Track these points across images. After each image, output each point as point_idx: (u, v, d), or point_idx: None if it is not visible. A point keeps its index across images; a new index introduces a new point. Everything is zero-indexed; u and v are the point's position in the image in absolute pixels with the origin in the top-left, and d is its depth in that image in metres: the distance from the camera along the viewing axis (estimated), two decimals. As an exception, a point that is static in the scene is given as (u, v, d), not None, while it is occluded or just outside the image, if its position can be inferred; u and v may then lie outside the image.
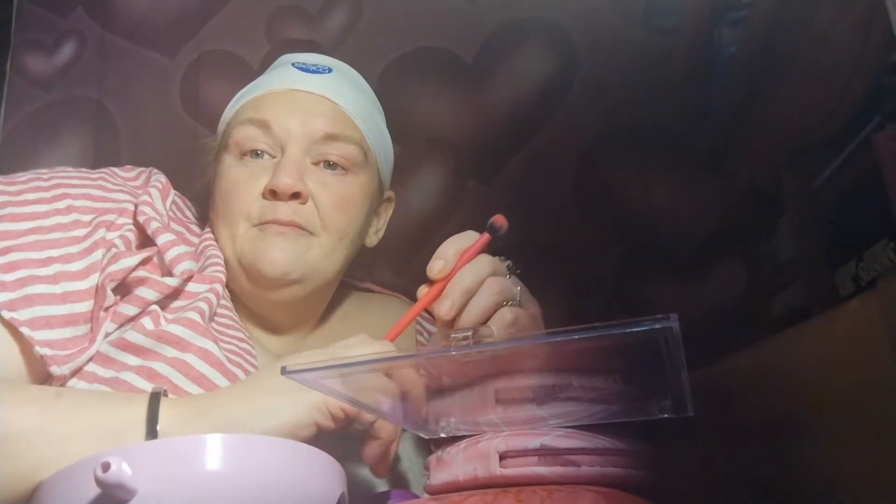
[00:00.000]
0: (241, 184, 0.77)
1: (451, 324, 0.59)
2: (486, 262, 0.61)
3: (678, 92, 1.08)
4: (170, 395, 0.61)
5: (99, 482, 0.46)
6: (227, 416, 0.58)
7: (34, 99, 1.19)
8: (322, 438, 0.60)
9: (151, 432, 0.55)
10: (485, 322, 0.59)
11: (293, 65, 0.83)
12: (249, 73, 0.91)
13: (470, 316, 0.59)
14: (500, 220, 0.63)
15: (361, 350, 0.62)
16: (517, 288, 0.62)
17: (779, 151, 0.83)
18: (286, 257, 0.74)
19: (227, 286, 0.77)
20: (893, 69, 0.63)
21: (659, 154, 1.11)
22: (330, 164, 0.78)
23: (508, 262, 0.63)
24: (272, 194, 0.75)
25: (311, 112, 0.78)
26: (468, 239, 0.62)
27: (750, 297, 0.94)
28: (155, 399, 0.57)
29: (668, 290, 1.09)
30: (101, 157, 1.15)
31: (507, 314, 0.59)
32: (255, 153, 0.77)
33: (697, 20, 1.03)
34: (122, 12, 1.21)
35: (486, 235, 0.62)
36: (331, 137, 0.78)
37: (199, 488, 0.48)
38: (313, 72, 0.82)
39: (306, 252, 0.76)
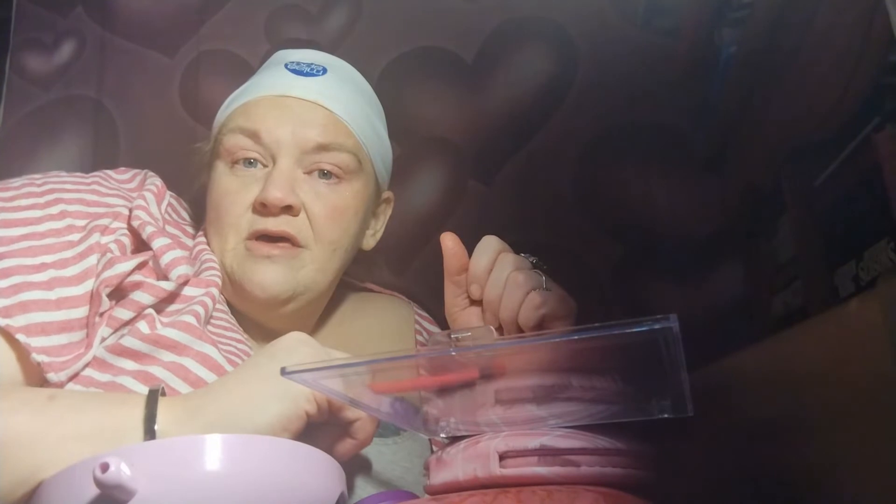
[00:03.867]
0: (232, 194, 0.76)
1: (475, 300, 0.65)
2: (508, 259, 0.64)
3: (678, 92, 1.08)
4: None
5: (98, 483, 0.46)
6: (218, 417, 0.56)
7: (33, 98, 1.18)
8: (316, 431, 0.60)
9: (149, 432, 0.55)
10: (517, 311, 0.63)
11: (286, 66, 0.81)
12: (249, 72, 0.90)
13: (506, 312, 0.63)
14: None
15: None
16: (542, 277, 0.65)
17: (779, 151, 0.83)
18: (275, 279, 0.74)
19: (222, 293, 0.76)
20: (893, 69, 0.63)
21: (659, 154, 1.11)
22: (323, 173, 0.77)
23: (533, 259, 0.67)
24: (262, 207, 0.74)
25: (302, 121, 0.77)
26: None
27: (750, 297, 0.94)
28: (153, 398, 0.57)
29: (668, 291, 1.09)
30: (100, 156, 1.15)
31: (535, 298, 0.63)
32: (247, 161, 0.76)
33: (697, 20, 1.03)
34: (121, 11, 1.21)
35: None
36: (323, 147, 0.76)
37: (198, 489, 0.48)
38: (306, 74, 0.80)
39: (298, 272, 0.75)
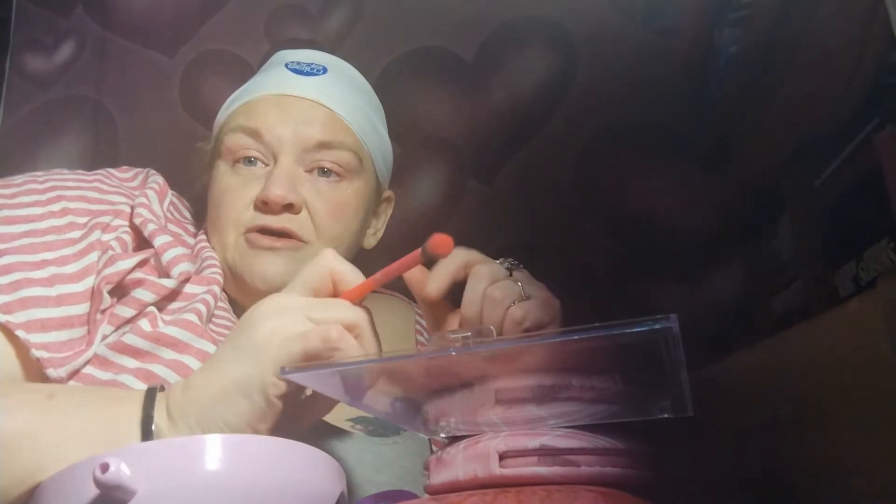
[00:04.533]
0: (233, 192, 0.76)
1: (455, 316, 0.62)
2: (483, 273, 0.61)
3: (678, 91, 1.08)
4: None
5: (98, 483, 0.46)
6: (197, 418, 0.55)
7: (33, 98, 1.19)
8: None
9: (146, 433, 0.54)
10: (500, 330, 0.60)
11: (287, 66, 0.82)
12: (249, 72, 0.91)
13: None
14: (441, 246, 0.55)
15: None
16: (518, 284, 0.61)
17: (779, 151, 0.83)
18: (277, 271, 0.74)
19: (223, 289, 0.76)
20: (893, 69, 0.63)
21: (659, 153, 1.11)
22: (324, 171, 0.77)
23: (508, 261, 0.64)
24: (264, 205, 0.74)
25: (303, 119, 0.77)
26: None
27: (750, 297, 0.94)
28: (150, 398, 0.56)
29: (668, 290, 1.09)
30: (99, 155, 1.15)
31: (515, 313, 0.60)
32: (248, 160, 0.77)
33: (697, 20, 1.03)
34: (121, 11, 1.21)
35: (416, 253, 0.56)
36: (324, 145, 0.77)
37: (198, 488, 0.48)
38: (307, 73, 0.81)
39: (300, 264, 0.75)
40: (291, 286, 0.59)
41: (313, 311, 0.56)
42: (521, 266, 0.64)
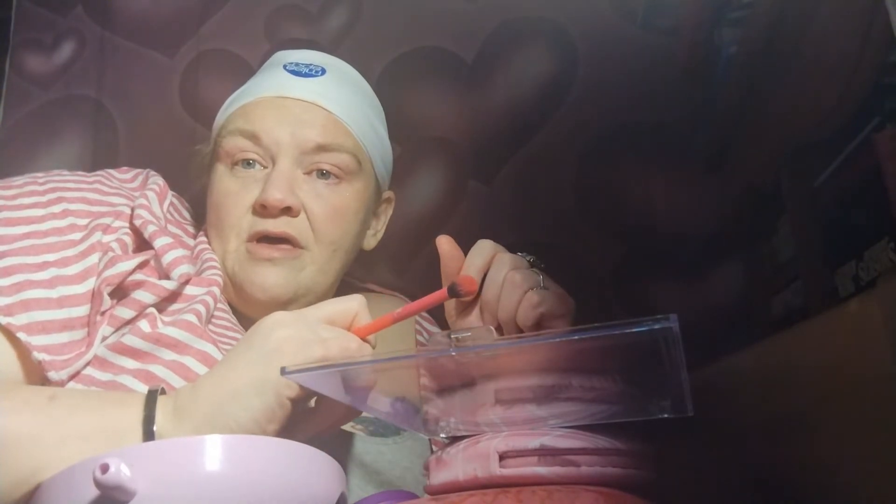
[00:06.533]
0: (232, 196, 0.76)
1: (474, 301, 0.65)
2: (505, 259, 0.64)
3: (678, 92, 1.08)
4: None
5: (98, 484, 0.46)
6: (204, 417, 0.55)
7: (33, 98, 1.18)
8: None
9: (148, 434, 0.55)
10: (515, 311, 0.63)
11: (285, 67, 0.82)
12: (249, 72, 0.91)
13: (504, 312, 0.63)
14: (467, 284, 0.61)
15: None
16: (539, 276, 0.64)
17: (779, 151, 0.83)
18: (276, 282, 0.74)
19: (223, 293, 0.76)
20: (893, 69, 0.63)
21: (659, 154, 1.11)
22: (323, 173, 0.77)
23: (530, 258, 0.66)
24: (262, 208, 0.74)
25: (301, 122, 0.77)
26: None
27: (750, 297, 0.94)
28: (151, 399, 0.56)
29: (668, 290, 1.09)
30: (99, 156, 1.15)
31: (533, 297, 0.62)
32: (246, 163, 0.77)
33: (697, 20, 1.03)
34: (121, 11, 1.21)
35: (443, 292, 0.61)
36: (322, 148, 0.77)
37: (198, 489, 0.48)
38: (305, 75, 0.81)
39: (299, 273, 0.75)
40: (310, 309, 0.60)
41: (324, 332, 0.57)
42: (542, 265, 0.67)
